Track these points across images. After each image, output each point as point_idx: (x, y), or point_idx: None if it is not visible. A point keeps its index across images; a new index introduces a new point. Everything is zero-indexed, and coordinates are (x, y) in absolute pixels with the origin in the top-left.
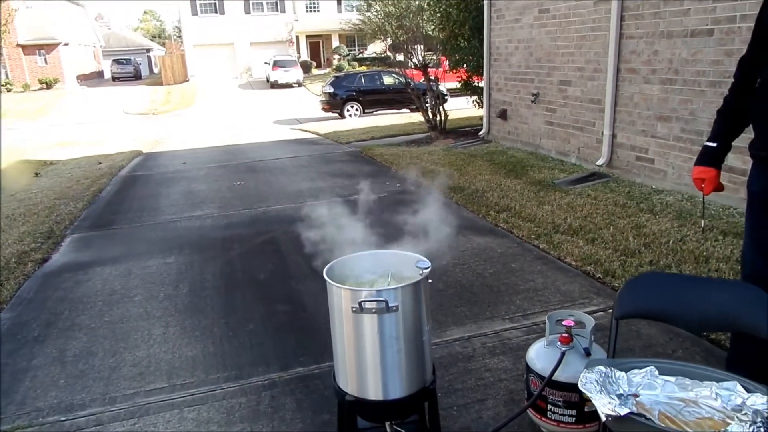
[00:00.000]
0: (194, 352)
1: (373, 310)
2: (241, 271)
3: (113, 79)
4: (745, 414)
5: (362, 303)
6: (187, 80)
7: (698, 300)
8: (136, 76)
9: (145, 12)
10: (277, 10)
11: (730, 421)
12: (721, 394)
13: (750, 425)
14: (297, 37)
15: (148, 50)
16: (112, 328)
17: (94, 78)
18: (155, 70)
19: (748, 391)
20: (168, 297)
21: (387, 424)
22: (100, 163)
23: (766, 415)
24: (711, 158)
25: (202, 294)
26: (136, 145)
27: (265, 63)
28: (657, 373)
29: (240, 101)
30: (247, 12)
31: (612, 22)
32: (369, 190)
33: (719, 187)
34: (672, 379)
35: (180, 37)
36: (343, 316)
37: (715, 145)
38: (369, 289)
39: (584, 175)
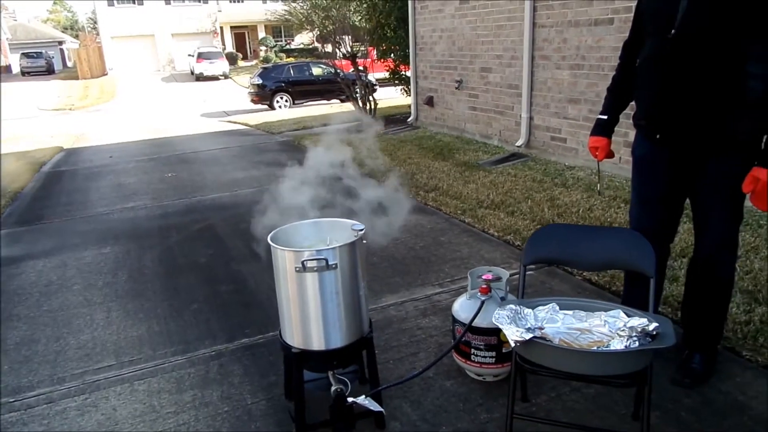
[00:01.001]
0: (139, 332)
1: (315, 269)
2: (180, 256)
3: (23, 73)
4: (624, 331)
5: (305, 262)
6: (106, 74)
7: (592, 245)
8: (49, 71)
9: (54, 2)
10: (200, 1)
11: (612, 339)
12: (608, 321)
13: (627, 339)
14: (221, 28)
15: (60, 43)
16: (53, 316)
17: (1, 73)
18: (69, 64)
19: (628, 316)
20: (107, 284)
21: (330, 373)
22: (19, 160)
23: (639, 329)
24: (602, 129)
25: (142, 280)
26: (55, 141)
27: (189, 55)
28: (558, 308)
29: (164, 94)
30: (168, 2)
31: (526, 12)
32: (303, 176)
33: (610, 155)
34: (570, 312)
35: (95, 28)
36: (287, 276)
37: (605, 117)
38: (310, 249)
39: (505, 156)
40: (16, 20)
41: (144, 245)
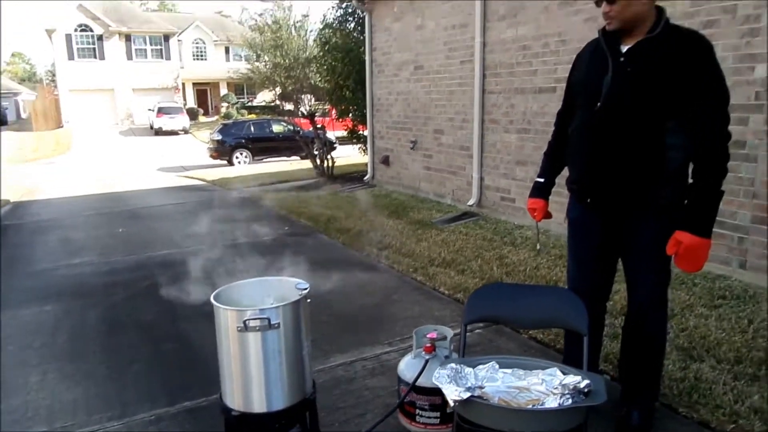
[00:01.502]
0: (75, 396)
1: (257, 328)
2: (125, 315)
3: None
4: (558, 389)
5: (247, 322)
6: (62, 126)
7: (529, 304)
8: (2, 122)
9: (13, 54)
10: (162, 57)
11: (547, 397)
12: (546, 379)
13: (561, 397)
14: (183, 84)
15: (15, 94)
16: None
17: None
18: (24, 116)
19: (564, 374)
20: (45, 345)
21: None
22: None
23: (571, 387)
24: (539, 191)
25: (82, 339)
26: (3, 194)
27: (149, 109)
28: (498, 367)
29: (121, 148)
30: (130, 58)
31: (476, 79)
32: (258, 233)
33: (548, 215)
34: (509, 371)
35: (54, 81)
36: (229, 336)
37: (542, 180)
38: (253, 308)
39: (458, 215)
40: None
41: (87, 303)
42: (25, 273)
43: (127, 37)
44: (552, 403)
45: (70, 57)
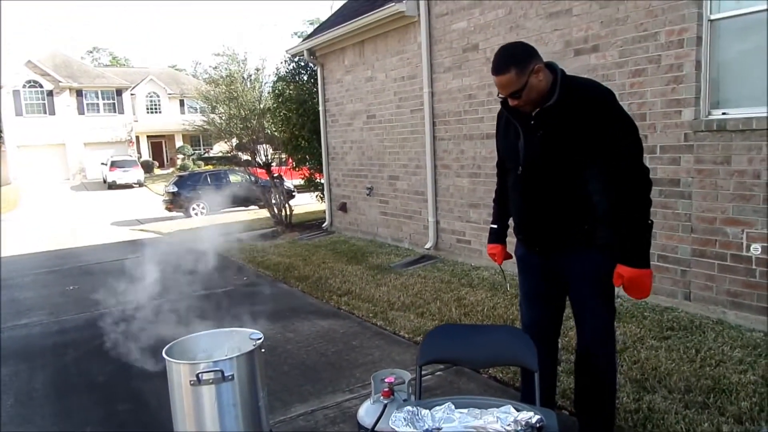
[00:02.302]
0: None
1: (211, 381)
2: (76, 375)
3: None
4: (511, 425)
5: (200, 375)
6: (9, 183)
7: (482, 343)
8: None
9: None
10: (115, 111)
11: None
12: (500, 417)
13: None
14: (137, 137)
15: None
16: None
17: None
18: None
19: (518, 410)
20: None
21: None
22: None
23: (523, 422)
24: (496, 236)
25: (30, 404)
26: None
27: (102, 164)
28: (453, 407)
29: (73, 203)
30: (81, 113)
31: (426, 126)
32: (215, 285)
33: (508, 257)
34: (466, 410)
35: (0, 137)
36: (182, 391)
37: (496, 226)
38: (206, 361)
39: (416, 258)
40: None
41: (35, 365)
42: None
43: (78, 92)
44: None
45: (18, 113)
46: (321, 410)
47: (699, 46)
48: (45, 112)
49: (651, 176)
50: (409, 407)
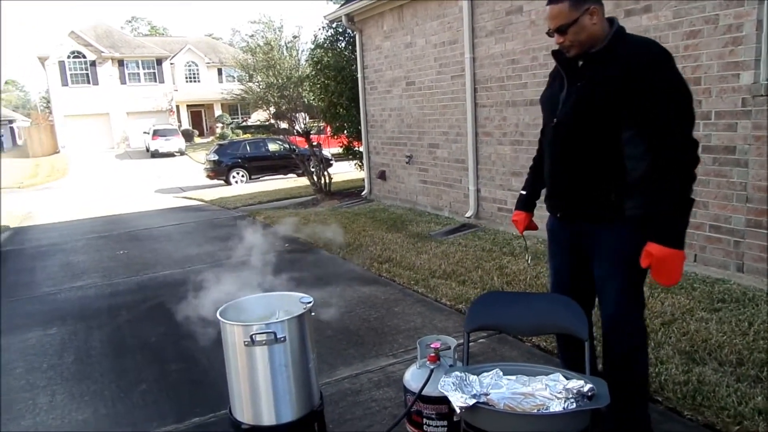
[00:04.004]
0: (85, 416)
1: (264, 342)
2: (130, 336)
3: None
4: (562, 393)
5: (253, 336)
6: (58, 152)
7: (528, 311)
8: None
9: (6, 82)
10: (156, 81)
11: (551, 402)
12: (549, 384)
13: (565, 401)
14: (177, 106)
15: (10, 121)
16: None
17: None
18: (20, 142)
19: (567, 378)
20: (52, 367)
21: None
22: None
23: (575, 391)
24: (523, 204)
25: (89, 361)
26: (1, 221)
27: (145, 132)
28: (501, 374)
29: (118, 171)
30: (123, 82)
31: (467, 93)
32: (258, 251)
33: (532, 226)
34: (513, 377)
35: (48, 107)
36: (236, 351)
37: (525, 192)
38: (259, 323)
39: (456, 227)
40: None
41: (92, 325)
42: (28, 298)
43: (120, 62)
44: (556, 407)
45: (64, 83)
46: (365, 374)
47: (761, 4)
48: (89, 82)
49: (704, 143)
50: (457, 372)
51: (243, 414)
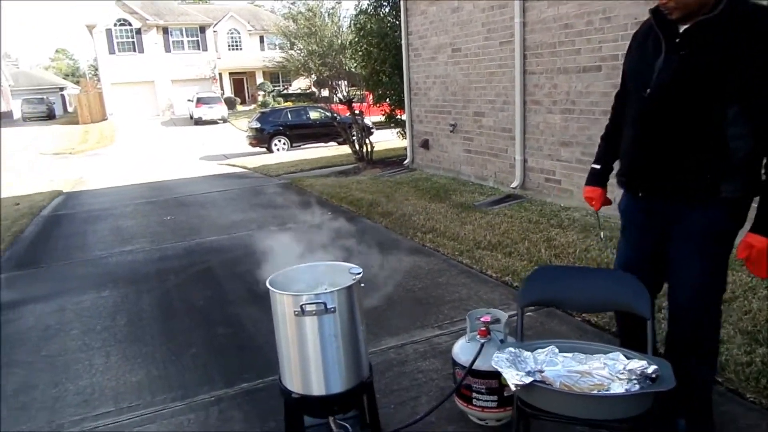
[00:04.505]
0: (138, 377)
1: (314, 312)
2: (178, 300)
3: (24, 119)
4: (623, 374)
5: (303, 306)
6: (106, 119)
7: (587, 287)
8: (50, 116)
9: (57, 51)
10: (199, 49)
11: (613, 382)
12: (608, 364)
13: (627, 382)
14: (220, 74)
15: (61, 89)
16: (51, 361)
17: (2, 118)
18: (70, 109)
19: (628, 358)
20: (106, 329)
21: (330, 419)
22: (18, 204)
23: (638, 372)
24: (596, 178)
25: (140, 324)
26: (55, 186)
27: (189, 100)
28: (557, 351)
29: (163, 138)
30: (168, 50)
31: (516, 60)
32: (301, 219)
33: (607, 202)
34: (570, 355)
35: (96, 75)
36: (286, 320)
37: (598, 167)
38: (309, 293)
39: (501, 197)
40: (18, 68)
41: (142, 289)
42: (81, 261)
43: (164, 30)
44: (618, 388)
45: (111, 51)
46: (411, 344)
47: None
48: (134, 50)
49: None
50: (510, 348)
51: (293, 383)
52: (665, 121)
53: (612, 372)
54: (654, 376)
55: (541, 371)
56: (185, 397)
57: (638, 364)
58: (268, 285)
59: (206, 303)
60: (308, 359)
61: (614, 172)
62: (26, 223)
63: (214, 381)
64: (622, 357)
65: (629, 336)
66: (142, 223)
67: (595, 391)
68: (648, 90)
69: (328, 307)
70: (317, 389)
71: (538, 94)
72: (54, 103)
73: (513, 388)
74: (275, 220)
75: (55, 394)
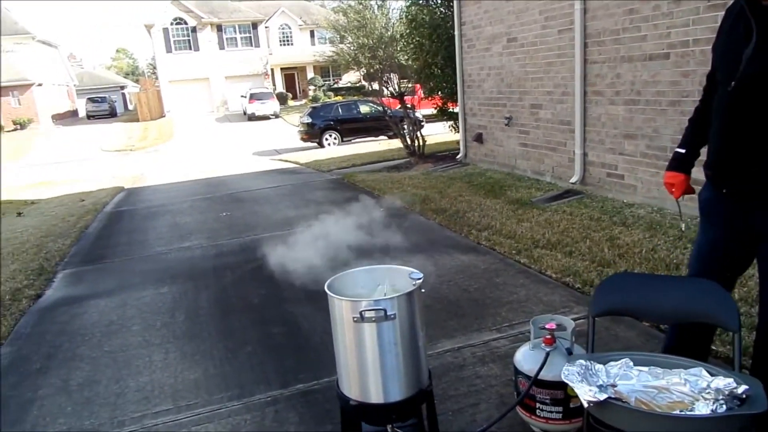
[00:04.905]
0: (196, 375)
1: (373, 319)
2: (234, 297)
3: (88, 117)
4: (709, 393)
5: (363, 313)
6: (164, 116)
7: (664, 296)
8: (112, 114)
9: (117, 50)
10: (252, 45)
11: (696, 402)
12: (689, 380)
13: (713, 402)
14: (272, 69)
15: (122, 87)
16: (113, 356)
17: (68, 117)
18: (131, 107)
19: (711, 375)
20: (165, 325)
21: (389, 427)
22: (83, 200)
23: (726, 392)
24: (680, 163)
25: (198, 320)
26: (116, 182)
27: (242, 96)
28: (632, 364)
29: (218, 134)
30: (222, 47)
31: (576, 48)
32: (354, 215)
33: (689, 190)
34: (645, 368)
35: (154, 73)
36: (345, 326)
37: (683, 151)
38: (368, 299)
39: (559, 193)
40: (82, 68)
41: (200, 285)
42: (142, 257)
43: (218, 27)
44: (703, 409)
45: (168, 50)
46: (468, 347)
47: None
48: (190, 48)
49: None
50: (581, 361)
51: (350, 389)
52: (752, 117)
53: (694, 389)
54: (744, 396)
55: (613, 385)
56: (242, 397)
57: (725, 382)
58: (326, 290)
59: (261, 300)
60: (367, 366)
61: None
62: (90, 219)
63: (270, 381)
64: (705, 373)
65: (684, 342)
66: (199, 219)
67: (678, 411)
68: (733, 83)
69: (388, 313)
70: (375, 397)
71: (599, 84)
72: (116, 101)
73: (585, 404)
74: (328, 216)
75: (117, 390)
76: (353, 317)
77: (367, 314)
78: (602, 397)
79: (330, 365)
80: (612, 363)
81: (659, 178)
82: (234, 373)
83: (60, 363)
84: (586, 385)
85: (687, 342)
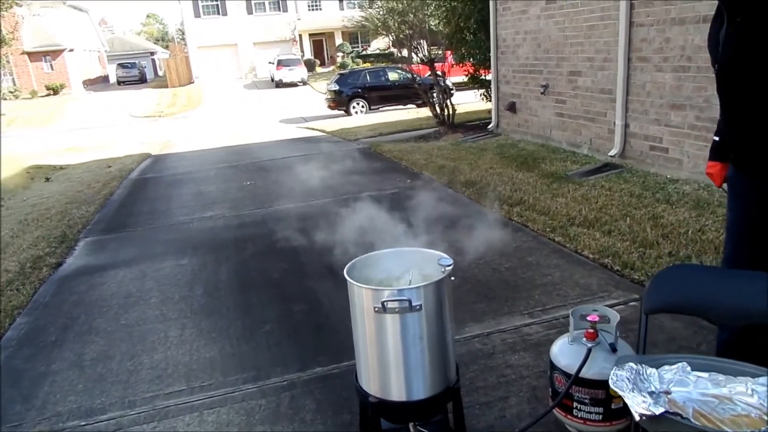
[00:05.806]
0: (212, 354)
1: (396, 310)
2: (255, 270)
3: (119, 83)
4: None
5: (385, 303)
6: (192, 82)
7: (732, 292)
8: (142, 80)
9: (147, 16)
10: (280, 10)
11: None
12: (757, 390)
13: None
14: (300, 35)
15: (152, 53)
16: (129, 331)
17: (99, 83)
18: (160, 73)
19: None
20: (183, 298)
21: (411, 424)
22: (110, 166)
23: None
24: (715, 152)
25: (216, 295)
26: (144, 148)
27: (269, 62)
28: (689, 369)
29: (246, 101)
30: (250, 12)
31: (621, 10)
32: (380, 186)
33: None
34: (705, 375)
35: (183, 39)
36: (365, 316)
37: (717, 138)
38: (391, 288)
39: (597, 166)
40: (113, 33)
41: (220, 257)
42: (164, 226)
43: None
44: None
45: (197, 14)
46: (498, 333)
47: None
48: (218, 13)
49: None
50: (631, 364)
51: (369, 385)
52: (741, 98)
53: (763, 402)
54: None
55: (667, 392)
56: (257, 380)
57: None
58: (345, 275)
59: (282, 276)
60: (388, 361)
61: None
62: (116, 186)
63: (288, 363)
64: None
65: (745, 339)
66: (223, 188)
67: (746, 430)
68: (716, 66)
69: (413, 304)
70: (397, 395)
71: (646, 49)
72: (145, 67)
73: (637, 417)
74: (354, 188)
75: (130, 367)
76: (374, 307)
77: (390, 305)
78: (658, 411)
79: (351, 348)
80: (666, 367)
81: (708, 152)
82: (251, 353)
83: (75, 336)
84: (638, 395)
85: (748, 338)
